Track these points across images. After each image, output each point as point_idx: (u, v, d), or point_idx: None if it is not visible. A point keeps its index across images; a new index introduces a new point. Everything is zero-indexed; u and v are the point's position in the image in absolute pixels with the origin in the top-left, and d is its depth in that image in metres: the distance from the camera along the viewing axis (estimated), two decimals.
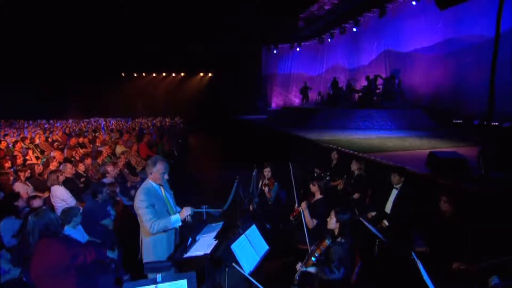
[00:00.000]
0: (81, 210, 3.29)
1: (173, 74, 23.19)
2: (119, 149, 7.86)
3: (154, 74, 23.01)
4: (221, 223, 3.39)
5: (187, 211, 2.88)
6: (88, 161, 5.59)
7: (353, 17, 15.42)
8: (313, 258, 2.91)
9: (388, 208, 4.54)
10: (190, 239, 3.07)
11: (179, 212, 2.98)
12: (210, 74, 23.09)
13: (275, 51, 20.72)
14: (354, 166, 5.21)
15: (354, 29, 15.67)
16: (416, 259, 2.41)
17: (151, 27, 17.90)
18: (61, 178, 4.30)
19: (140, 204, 2.76)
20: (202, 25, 18.63)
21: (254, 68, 21.17)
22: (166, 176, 2.93)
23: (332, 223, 2.97)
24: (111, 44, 18.80)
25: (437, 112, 11.92)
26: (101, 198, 3.79)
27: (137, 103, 22.33)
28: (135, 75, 22.82)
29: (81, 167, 5.35)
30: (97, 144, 8.56)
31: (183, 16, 17.61)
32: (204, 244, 2.99)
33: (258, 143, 10.63)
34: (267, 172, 4.58)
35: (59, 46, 18.18)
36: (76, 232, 3.10)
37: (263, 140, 10.73)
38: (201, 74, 23.14)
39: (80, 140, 9.00)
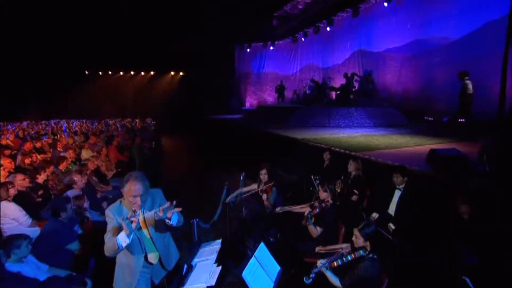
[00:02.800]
0: (30, 239, 2.48)
1: (142, 73, 21.77)
2: (85, 153, 6.88)
3: (121, 73, 21.41)
4: (218, 242, 2.79)
5: (129, 225, 2.08)
6: (50, 169, 4.66)
7: (326, 17, 15.34)
8: (339, 262, 2.53)
9: (391, 210, 4.22)
10: (185, 266, 2.45)
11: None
12: (181, 73, 22.00)
13: (248, 50, 20.21)
14: (351, 167, 4.84)
15: (328, 29, 15.61)
16: (463, 276, 2.02)
17: (118, 22, 16.46)
18: (12, 191, 3.43)
19: (106, 217, 2.25)
20: (173, 22, 17.57)
21: (227, 66, 20.49)
22: (138, 201, 2.16)
23: (360, 242, 2.53)
24: (74, 39, 17.00)
25: (408, 110, 12.16)
26: (65, 216, 3.01)
27: (104, 103, 20.59)
28: (100, 73, 21.07)
29: (42, 176, 4.41)
30: (59, 148, 7.45)
31: (152, 12, 16.43)
32: (204, 272, 2.37)
33: (237, 144, 10.04)
34: (263, 175, 4.03)
35: (8, 38, 16.07)
36: (28, 267, 2.32)
37: (242, 140, 10.17)
38: (172, 72, 21.98)
39: (38, 144, 7.80)
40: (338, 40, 16.22)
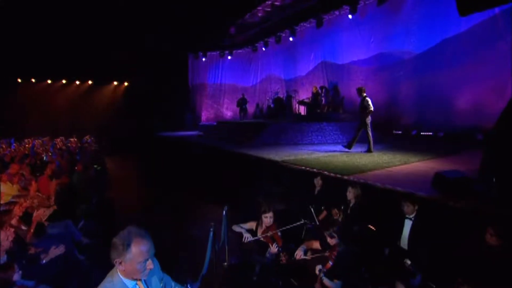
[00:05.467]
0: None
1: (77, 82, 19.70)
2: (5, 189, 5.58)
3: (49, 81, 19.08)
4: None
5: None
6: None
7: (288, 26, 15.62)
8: None
9: (403, 243, 4.00)
10: None
11: None
12: (126, 83, 20.48)
13: (203, 59, 19.69)
14: (350, 194, 4.57)
15: (291, 39, 15.88)
16: None
17: (45, 19, 14.59)
18: None
19: None
20: (116, 23, 16.32)
21: (180, 77, 19.66)
22: (150, 265, 1.71)
23: None
24: None
25: (375, 123, 12.66)
26: None
27: (26, 117, 17.86)
28: (19, 80, 18.45)
29: None
30: None
31: (92, 11, 15.02)
32: None
33: (202, 167, 9.31)
34: (269, 218, 3.52)
35: None
36: None
37: (207, 162, 9.48)
38: (115, 83, 20.33)
39: None
40: (301, 51, 16.60)
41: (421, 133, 11.57)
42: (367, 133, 8.23)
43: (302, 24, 15.44)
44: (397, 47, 12.41)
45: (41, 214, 4.84)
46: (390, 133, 12.45)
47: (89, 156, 8.90)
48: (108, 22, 16.20)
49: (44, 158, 9.01)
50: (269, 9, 16.41)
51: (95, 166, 8.84)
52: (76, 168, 7.06)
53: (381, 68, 13.14)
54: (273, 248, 3.35)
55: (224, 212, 4.40)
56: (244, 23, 17.89)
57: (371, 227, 3.87)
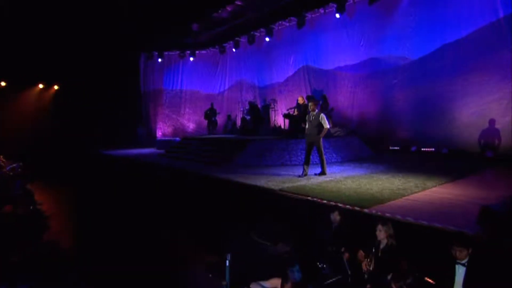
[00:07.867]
0: None
1: None
2: None
3: None
4: None
5: None
6: None
7: (264, 24, 15.68)
8: None
9: None
10: None
11: None
12: (56, 87, 19.09)
13: (159, 60, 19.15)
14: (381, 234, 4.38)
15: (267, 39, 15.95)
16: None
17: None
18: None
19: None
20: (43, 7, 15.09)
21: (129, 81, 18.86)
22: None
23: None
24: None
25: (368, 137, 12.93)
26: None
27: None
28: None
29: None
30: None
31: None
32: None
33: (172, 197, 8.69)
34: (296, 273, 3.21)
35: None
36: None
37: (177, 190, 8.88)
38: (41, 85, 18.86)
39: None
40: (278, 53, 16.73)
41: (422, 149, 11.95)
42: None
43: (280, 22, 15.63)
44: (390, 52, 12.86)
45: None
46: (386, 149, 12.75)
47: (19, 188, 7.85)
48: (30, 4, 14.94)
49: None
50: (240, 3, 16.32)
51: (31, 206, 7.81)
52: (4, 210, 6.15)
53: (372, 75, 13.53)
54: None
55: (227, 262, 4.01)
56: (210, 19, 17.60)
57: (429, 279, 3.66)
